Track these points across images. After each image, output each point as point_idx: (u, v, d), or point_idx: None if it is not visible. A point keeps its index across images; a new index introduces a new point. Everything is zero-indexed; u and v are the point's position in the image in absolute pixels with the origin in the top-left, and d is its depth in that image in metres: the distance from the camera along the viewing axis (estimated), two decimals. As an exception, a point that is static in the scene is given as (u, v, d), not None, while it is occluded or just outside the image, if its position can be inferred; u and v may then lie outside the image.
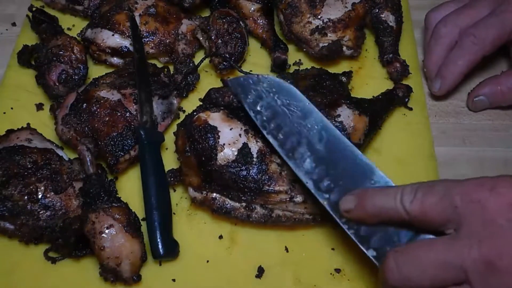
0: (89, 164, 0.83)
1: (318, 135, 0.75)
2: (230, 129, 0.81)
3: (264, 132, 0.78)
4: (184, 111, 0.96)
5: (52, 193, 0.81)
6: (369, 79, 1.01)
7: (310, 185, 0.73)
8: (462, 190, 0.62)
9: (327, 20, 0.99)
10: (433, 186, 0.64)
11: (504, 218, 0.59)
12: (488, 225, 0.60)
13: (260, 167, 0.79)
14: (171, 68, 1.00)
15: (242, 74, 0.94)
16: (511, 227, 0.59)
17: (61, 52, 0.95)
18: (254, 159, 0.79)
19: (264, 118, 0.78)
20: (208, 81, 1.00)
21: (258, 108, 0.79)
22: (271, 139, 0.77)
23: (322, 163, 0.73)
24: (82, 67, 0.96)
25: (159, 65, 0.99)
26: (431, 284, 0.61)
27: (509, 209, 0.60)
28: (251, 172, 0.79)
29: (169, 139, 0.90)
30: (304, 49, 1.01)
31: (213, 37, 0.98)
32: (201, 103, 0.92)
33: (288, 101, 0.78)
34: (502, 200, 0.60)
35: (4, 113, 0.97)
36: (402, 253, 0.63)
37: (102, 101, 0.88)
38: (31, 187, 0.81)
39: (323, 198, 0.72)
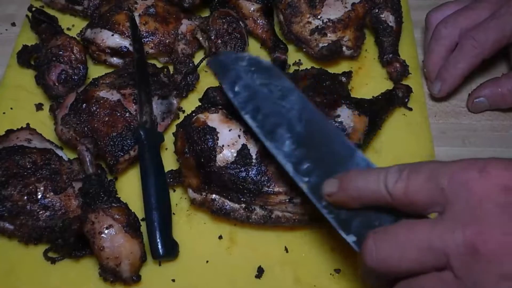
0: (88, 164, 0.83)
1: (298, 116, 0.72)
2: (229, 130, 0.81)
3: (242, 113, 0.75)
4: (183, 111, 0.96)
5: (52, 193, 0.81)
6: (369, 79, 1.01)
7: (289, 167, 0.70)
8: (450, 171, 0.58)
9: (327, 20, 0.99)
10: (419, 166, 0.60)
11: (492, 202, 0.55)
12: (475, 209, 0.55)
13: (259, 168, 0.79)
14: (171, 68, 1.00)
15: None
16: (498, 212, 0.55)
17: (61, 52, 0.95)
18: (253, 161, 0.79)
19: (242, 99, 0.75)
20: (208, 81, 1.00)
21: (237, 88, 0.76)
22: (249, 121, 0.74)
23: (302, 145, 0.70)
24: (81, 67, 0.96)
25: (159, 65, 0.99)
26: (409, 267, 0.57)
27: (498, 193, 0.55)
28: (250, 173, 0.78)
29: (169, 139, 0.90)
30: (304, 49, 1.01)
31: (212, 37, 0.98)
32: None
33: (268, 81, 0.75)
34: (491, 182, 0.56)
35: (4, 113, 0.97)
36: (381, 233, 0.60)
37: (101, 101, 0.88)
38: (30, 187, 0.81)
39: (302, 181, 0.68)
